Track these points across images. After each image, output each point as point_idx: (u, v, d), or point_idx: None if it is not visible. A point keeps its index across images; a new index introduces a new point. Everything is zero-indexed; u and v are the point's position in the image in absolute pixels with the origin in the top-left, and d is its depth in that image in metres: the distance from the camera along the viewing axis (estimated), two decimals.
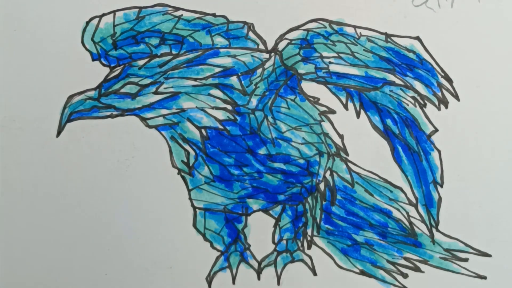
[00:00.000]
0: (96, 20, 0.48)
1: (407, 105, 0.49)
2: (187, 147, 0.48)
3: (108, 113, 0.48)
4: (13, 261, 0.47)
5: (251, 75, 0.48)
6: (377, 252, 0.50)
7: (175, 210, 0.50)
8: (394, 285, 0.50)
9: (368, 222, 0.50)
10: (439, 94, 0.49)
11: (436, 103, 0.49)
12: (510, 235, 0.50)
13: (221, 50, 0.48)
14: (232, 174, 0.49)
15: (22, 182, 0.48)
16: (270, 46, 0.49)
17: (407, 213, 0.50)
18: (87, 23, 0.48)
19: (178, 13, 0.49)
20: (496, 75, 0.49)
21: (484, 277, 0.50)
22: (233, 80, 0.48)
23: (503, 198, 0.50)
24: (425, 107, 0.49)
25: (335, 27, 0.49)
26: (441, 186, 0.49)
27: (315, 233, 0.50)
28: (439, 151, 0.49)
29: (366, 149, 0.50)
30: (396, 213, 0.50)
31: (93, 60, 0.48)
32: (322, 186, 0.50)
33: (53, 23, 0.48)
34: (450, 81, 0.49)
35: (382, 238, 0.50)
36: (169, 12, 0.48)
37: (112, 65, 0.48)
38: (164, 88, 0.48)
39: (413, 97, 0.49)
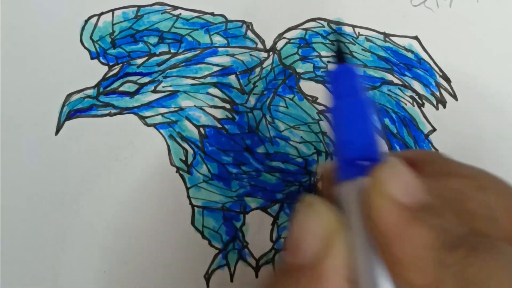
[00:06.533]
0: (95, 18, 0.48)
1: (405, 104, 0.49)
2: (185, 145, 0.48)
3: (107, 112, 0.48)
4: (12, 258, 0.47)
5: (249, 74, 0.48)
6: None
7: (174, 208, 0.50)
8: None
9: None
10: (437, 93, 0.49)
11: (434, 102, 0.49)
12: None
13: (220, 49, 0.48)
14: (230, 173, 0.49)
15: (21, 180, 0.48)
16: (268, 45, 0.49)
17: None
18: (86, 21, 0.48)
19: (176, 12, 0.48)
20: (494, 75, 0.49)
21: None
22: (232, 79, 0.48)
23: None
24: (423, 107, 0.49)
25: (334, 26, 0.49)
26: None
27: None
28: (436, 151, 0.49)
29: None
30: None
31: (92, 58, 0.48)
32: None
33: (52, 21, 0.48)
34: (448, 80, 0.49)
35: None
36: (167, 11, 0.48)
37: (111, 64, 0.48)
38: (163, 87, 0.48)
39: (411, 97, 0.49)
